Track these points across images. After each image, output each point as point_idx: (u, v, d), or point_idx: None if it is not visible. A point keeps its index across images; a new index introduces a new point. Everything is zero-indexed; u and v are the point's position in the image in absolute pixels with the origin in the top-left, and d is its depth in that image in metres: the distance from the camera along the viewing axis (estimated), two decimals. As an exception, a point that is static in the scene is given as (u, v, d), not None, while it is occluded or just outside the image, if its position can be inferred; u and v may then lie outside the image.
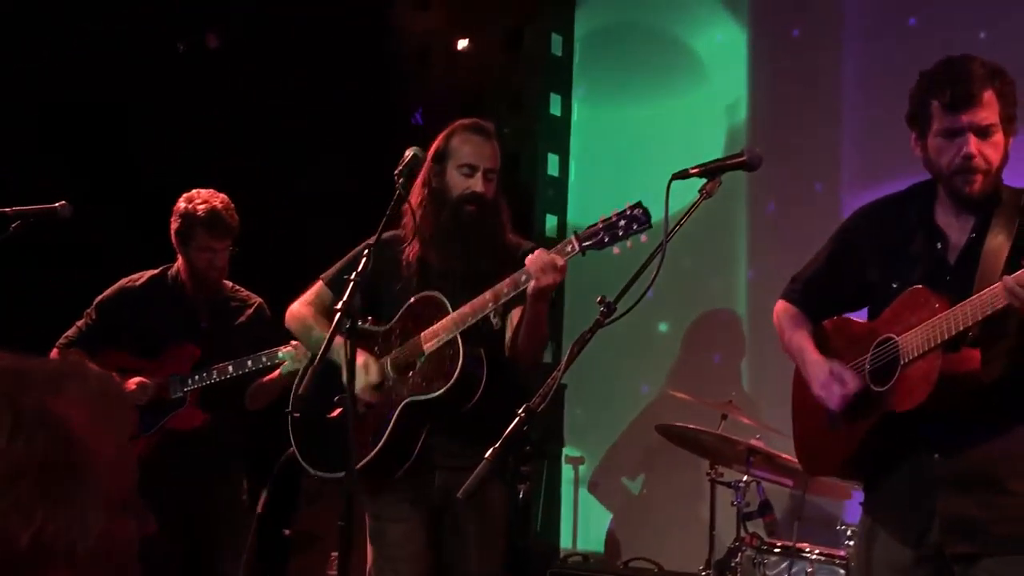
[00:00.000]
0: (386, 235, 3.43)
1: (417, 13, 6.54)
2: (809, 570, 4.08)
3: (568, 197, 6.40)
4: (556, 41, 6.48)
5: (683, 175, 2.69)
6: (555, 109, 6.44)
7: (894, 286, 2.73)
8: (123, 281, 4.32)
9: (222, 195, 4.20)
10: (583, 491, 6.10)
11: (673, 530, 5.65)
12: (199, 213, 4.10)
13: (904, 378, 2.61)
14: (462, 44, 6.50)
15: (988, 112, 2.62)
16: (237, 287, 4.32)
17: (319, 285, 3.55)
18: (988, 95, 2.61)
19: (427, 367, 3.25)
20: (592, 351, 5.33)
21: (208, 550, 4.15)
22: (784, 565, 4.22)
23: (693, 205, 2.64)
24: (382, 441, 3.23)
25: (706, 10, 6.10)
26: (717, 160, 2.74)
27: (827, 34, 5.63)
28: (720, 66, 6.01)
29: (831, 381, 2.76)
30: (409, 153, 3.18)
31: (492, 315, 3.24)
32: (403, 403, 3.24)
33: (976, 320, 2.49)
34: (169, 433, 4.10)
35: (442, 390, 3.18)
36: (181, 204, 4.17)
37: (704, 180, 2.69)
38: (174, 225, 4.17)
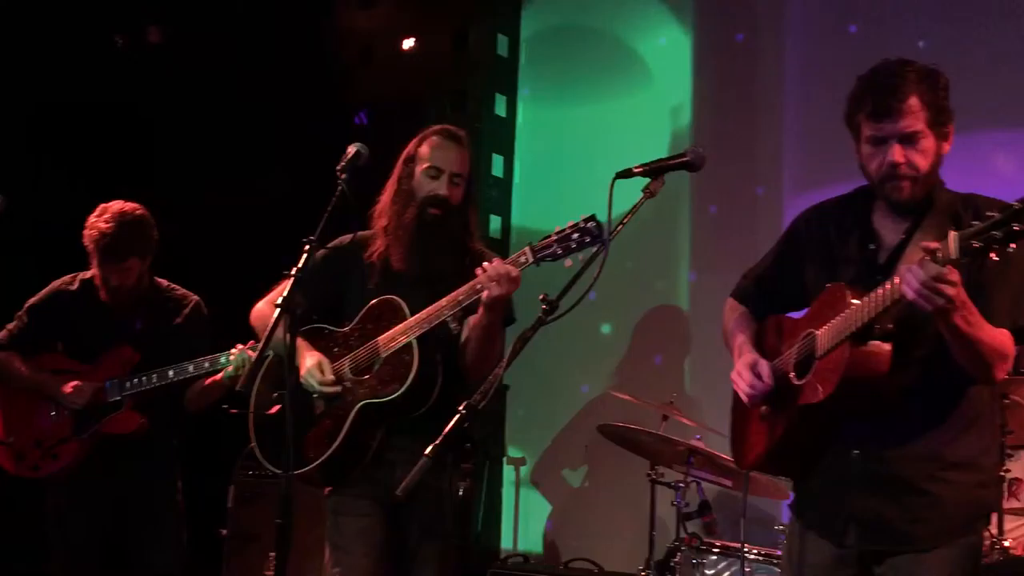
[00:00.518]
0: (361, 234, 3.47)
1: (361, 13, 6.50)
2: (748, 570, 4.10)
3: (512, 198, 6.40)
4: (502, 42, 6.47)
5: (626, 174, 2.71)
6: (500, 109, 6.44)
7: (827, 286, 2.75)
8: (55, 283, 4.22)
9: (131, 212, 4.06)
10: (524, 491, 6.10)
11: (613, 530, 5.66)
12: (96, 237, 4.00)
13: (817, 370, 2.64)
14: (407, 44, 6.47)
15: (912, 120, 2.62)
16: (173, 286, 4.24)
17: (284, 285, 3.51)
18: (913, 102, 2.62)
19: (384, 370, 3.24)
20: (535, 352, 5.32)
21: (139, 551, 4.08)
22: (723, 565, 4.24)
23: (636, 205, 2.65)
24: (337, 441, 3.22)
25: (651, 13, 6.13)
26: (660, 160, 2.76)
27: (770, 39, 5.68)
28: (665, 69, 6.04)
29: (745, 372, 2.80)
30: (352, 150, 3.15)
31: (450, 320, 3.25)
32: (359, 405, 3.23)
33: (878, 310, 2.50)
34: (105, 436, 4.02)
35: (396, 394, 3.18)
36: (90, 219, 4.06)
37: (647, 180, 2.71)
38: (83, 238, 4.09)
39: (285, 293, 2.90)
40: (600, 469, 5.85)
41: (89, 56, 6.05)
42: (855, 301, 2.57)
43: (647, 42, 6.13)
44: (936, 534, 2.62)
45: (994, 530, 3.70)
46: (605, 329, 6.00)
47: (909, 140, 2.63)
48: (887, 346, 2.55)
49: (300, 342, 3.33)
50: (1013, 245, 2.26)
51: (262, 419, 3.37)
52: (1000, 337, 2.55)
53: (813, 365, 2.66)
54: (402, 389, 3.17)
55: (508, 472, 6.15)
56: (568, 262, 2.99)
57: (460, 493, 3.24)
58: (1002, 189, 4.97)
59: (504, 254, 6.27)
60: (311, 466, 3.23)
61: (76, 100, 5.98)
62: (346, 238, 3.45)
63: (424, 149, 3.43)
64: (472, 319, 3.24)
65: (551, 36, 6.47)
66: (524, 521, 6.09)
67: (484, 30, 6.40)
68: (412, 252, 3.37)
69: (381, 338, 3.27)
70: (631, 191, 2.70)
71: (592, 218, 2.99)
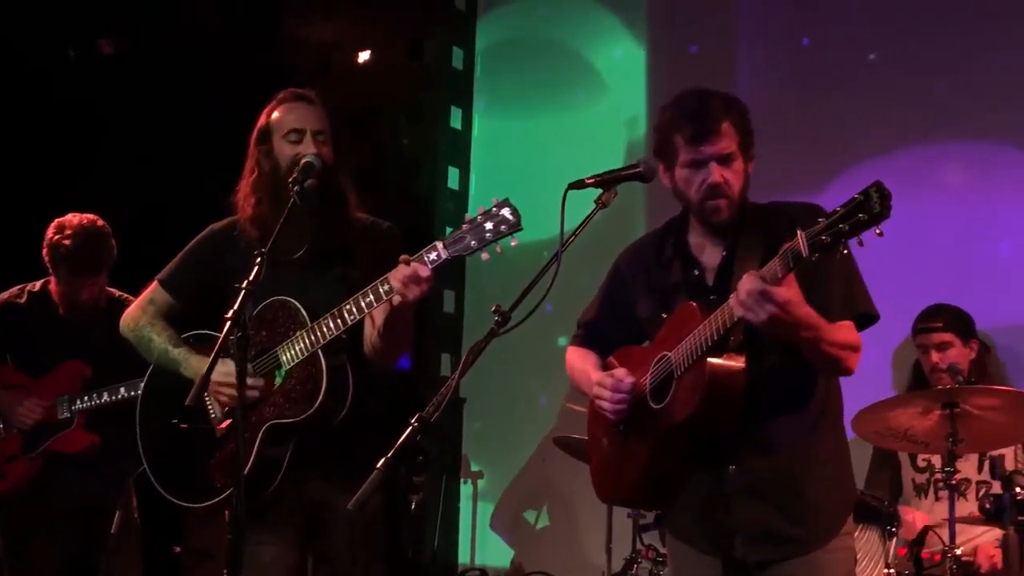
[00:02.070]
0: (233, 220, 3.24)
1: (317, 25, 6.47)
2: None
3: (469, 210, 6.35)
4: (457, 54, 6.46)
5: (579, 185, 2.72)
6: (456, 122, 6.42)
7: (663, 316, 2.82)
8: (3, 296, 4.16)
9: (93, 225, 4.03)
10: (482, 505, 6.07)
11: (572, 543, 5.65)
12: (62, 250, 3.96)
13: (678, 390, 2.67)
14: (363, 56, 6.44)
15: (727, 142, 2.74)
16: (126, 296, 4.17)
17: (154, 286, 3.33)
18: (726, 126, 2.74)
19: (289, 386, 3.04)
20: (491, 365, 5.32)
21: (96, 568, 4.02)
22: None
23: (588, 216, 2.65)
24: (247, 468, 2.97)
25: (606, 26, 6.14)
26: (613, 171, 2.77)
27: (723, 51, 5.71)
28: (619, 81, 6.06)
29: (604, 380, 2.80)
30: (304, 161, 3.10)
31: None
32: (266, 426, 3.03)
33: (733, 320, 2.55)
34: (54, 454, 3.95)
35: (307, 413, 2.99)
36: (50, 232, 4.02)
37: (601, 191, 2.71)
38: (43, 250, 4.03)
39: (236, 306, 2.83)
40: (558, 481, 5.84)
41: (42, 61, 5.97)
42: (704, 318, 2.63)
43: (602, 54, 6.15)
44: (817, 535, 2.70)
45: (946, 539, 3.73)
46: (562, 341, 5.98)
47: (725, 161, 2.75)
48: (742, 357, 2.62)
49: (187, 353, 3.16)
50: (860, 235, 2.32)
51: (157, 442, 3.21)
52: (843, 330, 2.64)
53: (672, 386, 2.69)
54: (313, 408, 2.99)
55: (466, 486, 6.12)
56: (485, 255, 2.90)
57: (412, 507, 3.17)
58: (948, 199, 5.07)
59: (461, 270, 6.32)
60: (222, 496, 3.01)
61: (29, 102, 5.90)
62: (220, 225, 3.24)
63: (277, 116, 3.21)
64: (377, 311, 3.02)
65: (506, 48, 6.48)
66: (482, 535, 6.06)
67: (439, 43, 6.39)
68: (297, 233, 3.08)
69: (279, 348, 3.06)
70: (589, 202, 2.69)
71: (505, 202, 2.89)
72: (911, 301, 4.45)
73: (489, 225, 2.87)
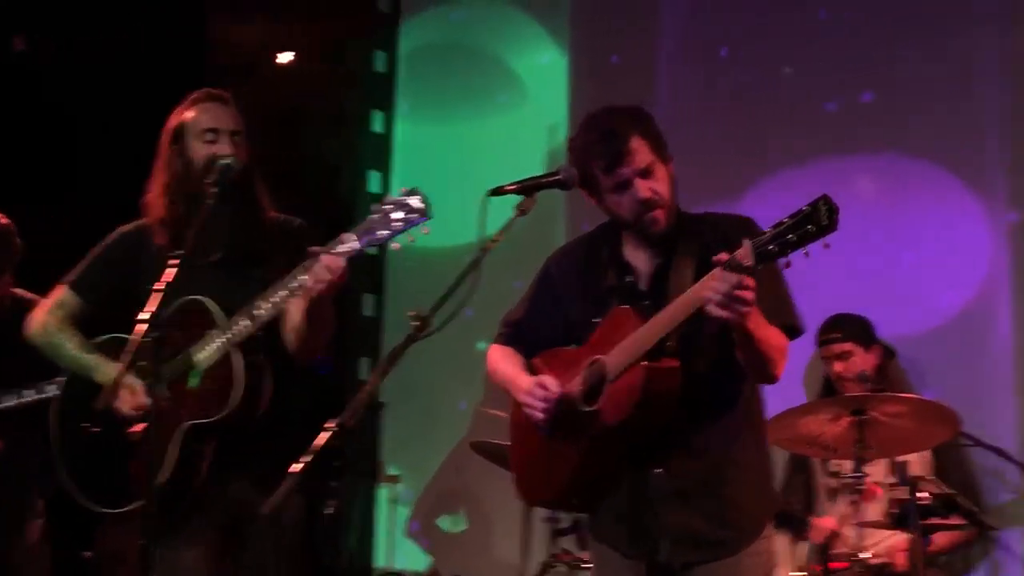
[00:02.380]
0: (144, 223, 3.18)
1: (238, 26, 6.40)
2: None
3: (390, 215, 6.34)
4: (379, 58, 6.44)
5: (499, 192, 2.73)
6: (377, 126, 6.40)
7: (595, 320, 2.83)
8: None
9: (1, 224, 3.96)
10: (401, 509, 6.05)
11: (489, 547, 5.65)
12: None
13: (612, 393, 2.69)
14: (284, 58, 6.39)
15: (642, 156, 2.76)
16: (31, 296, 4.05)
17: (62, 290, 3.25)
18: (636, 142, 2.76)
19: (204, 386, 3.00)
20: (411, 369, 5.31)
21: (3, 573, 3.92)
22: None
23: (507, 223, 2.66)
24: (168, 473, 2.96)
25: (529, 33, 6.17)
26: (533, 178, 2.79)
27: (643, 61, 5.76)
28: (542, 88, 6.09)
29: (534, 389, 2.81)
30: (222, 163, 3.07)
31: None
32: (183, 428, 2.99)
33: (671, 327, 2.60)
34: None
35: (223, 413, 2.96)
36: None
37: (521, 197, 2.72)
38: None
39: (149, 308, 2.79)
40: (476, 486, 5.84)
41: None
42: (642, 323, 2.65)
43: (525, 61, 6.18)
44: (740, 538, 2.75)
45: (854, 543, 3.81)
46: (482, 346, 5.98)
47: (647, 174, 2.77)
48: (677, 362, 2.65)
49: (99, 359, 3.11)
50: (807, 247, 2.34)
51: (73, 447, 3.15)
52: (779, 336, 2.69)
53: (604, 390, 2.70)
54: (228, 409, 2.95)
55: (384, 490, 6.09)
56: (396, 244, 2.89)
57: (330, 512, 3.14)
58: (857, 210, 5.18)
59: (380, 273, 6.29)
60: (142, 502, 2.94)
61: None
62: (129, 227, 3.19)
63: (191, 115, 3.16)
64: (293, 305, 2.99)
65: (430, 53, 6.47)
66: (400, 539, 6.04)
67: (361, 46, 6.36)
68: (209, 236, 3.04)
69: (193, 349, 3.01)
70: (510, 208, 2.70)
71: (413, 191, 2.88)
72: (820, 311, 4.54)
73: (399, 214, 2.85)
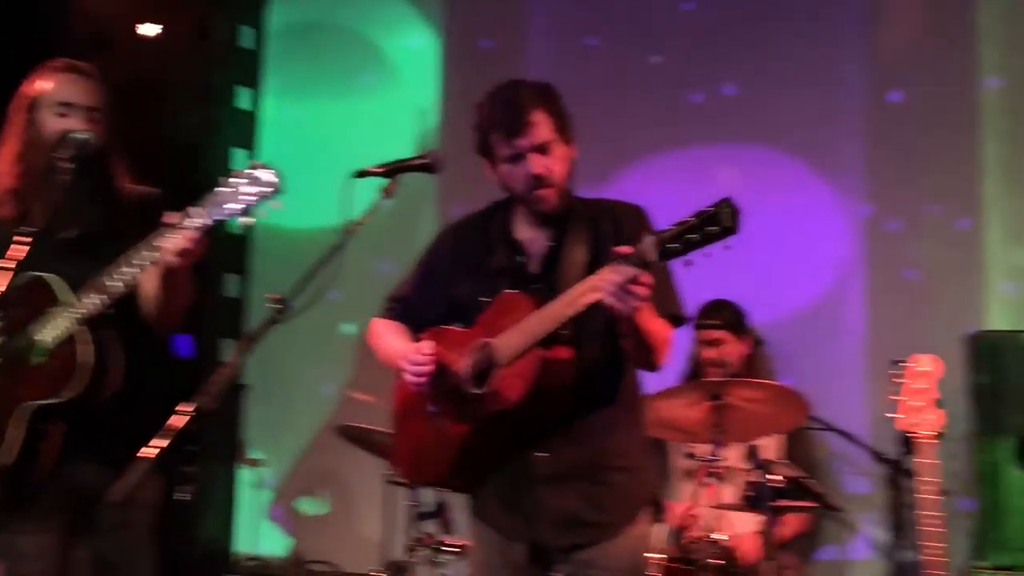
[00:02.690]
0: None
1: (98, -4, 6.19)
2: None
3: (255, 193, 6.23)
4: (247, 33, 6.31)
5: (365, 174, 2.70)
6: (243, 103, 6.27)
7: (482, 299, 2.83)
8: None
9: None
10: (262, 494, 5.97)
11: (352, 532, 5.63)
12: None
13: (503, 379, 2.69)
14: (147, 31, 6.21)
15: (542, 132, 2.77)
16: None
17: None
18: (539, 116, 2.77)
19: (50, 365, 2.88)
20: (276, 352, 5.22)
21: None
22: (461, 564, 4.27)
23: (373, 205, 2.64)
24: (12, 455, 2.85)
25: (400, 15, 6.14)
26: (399, 161, 2.77)
27: (514, 48, 5.79)
28: (413, 71, 6.07)
29: (413, 355, 2.80)
30: (76, 137, 2.96)
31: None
32: (25, 408, 2.87)
33: (566, 318, 2.61)
34: None
35: (73, 393, 2.85)
36: None
37: (387, 180, 2.71)
38: None
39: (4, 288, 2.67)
40: (340, 470, 5.80)
41: None
42: (536, 309, 2.65)
43: (396, 43, 6.14)
44: (618, 523, 2.79)
45: (709, 525, 3.91)
46: (347, 329, 5.95)
47: (543, 151, 2.78)
48: (571, 350, 2.67)
49: None
50: (711, 245, 2.36)
51: None
52: (665, 327, 2.73)
53: (495, 373, 2.70)
54: (73, 388, 2.85)
55: (247, 474, 6.00)
56: (246, 218, 2.80)
57: (187, 497, 3.05)
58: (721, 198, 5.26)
59: (244, 254, 6.18)
60: None
61: None
62: None
63: (48, 86, 3.02)
64: (148, 275, 2.89)
65: (299, 31, 6.38)
66: (263, 524, 5.97)
67: (227, 20, 6.22)
68: (62, 211, 2.93)
69: (36, 326, 2.88)
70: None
71: (262, 165, 2.79)
72: (689, 295, 4.64)
73: (250, 189, 2.76)
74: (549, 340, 2.64)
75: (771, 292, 5.04)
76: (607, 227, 2.71)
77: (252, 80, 6.30)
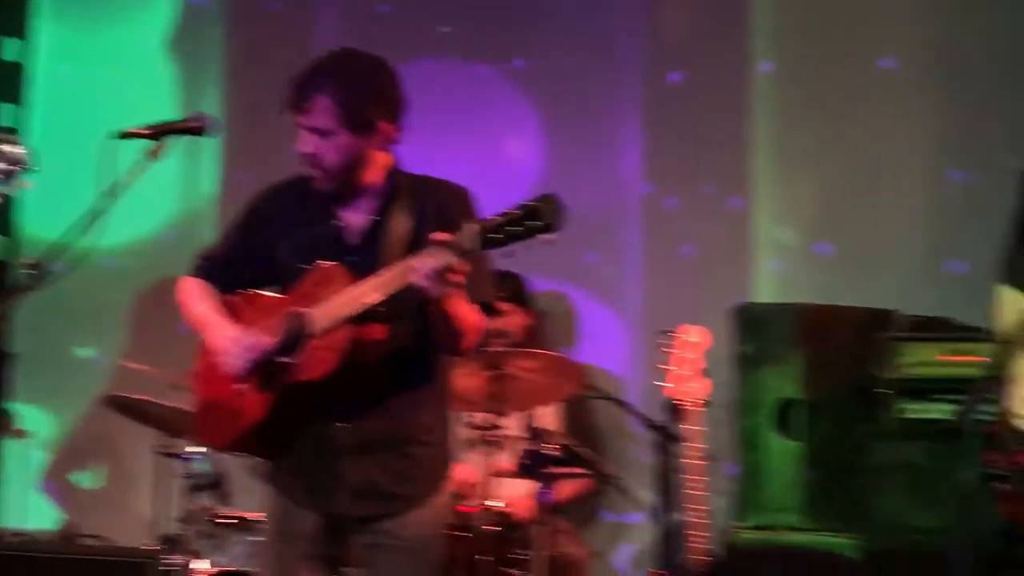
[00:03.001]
0: None
1: None
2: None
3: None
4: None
5: (129, 135, 2.62)
6: (9, 54, 5.91)
7: (300, 266, 2.81)
8: None
9: None
10: (31, 466, 5.71)
11: (126, 504, 5.47)
12: None
13: (317, 348, 2.70)
14: None
15: (321, 118, 2.75)
16: None
17: None
18: (323, 102, 2.74)
19: None
20: (46, 319, 4.97)
21: None
22: (236, 536, 4.20)
23: (135, 167, 2.55)
24: None
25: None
26: (167, 123, 2.71)
27: (303, 12, 5.66)
28: (194, 31, 5.85)
29: (236, 345, 2.79)
30: None
31: None
32: None
33: (381, 296, 2.63)
34: None
35: None
36: None
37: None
38: None
39: None
40: (113, 442, 5.60)
41: None
42: (354, 283, 2.66)
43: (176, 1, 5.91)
44: (418, 493, 2.83)
45: (486, 492, 3.97)
46: (121, 297, 5.72)
47: (323, 135, 2.76)
48: (385, 327, 2.70)
49: None
50: (533, 239, 2.41)
51: None
52: (476, 314, 2.79)
53: (305, 343, 2.69)
54: None
55: (14, 445, 5.71)
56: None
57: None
58: (515, 175, 5.34)
59: (6, 215, 5.85)
60: None
61: None
62: None
63: None
64: None
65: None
66: (32, 498, 5.71)
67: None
68: None
69: None
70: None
71: (7, 139, 2.68)
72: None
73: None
74: (363, 316, 2.65)
75: (554, 266, 5.13)
76: (431, 206, 2.73)
77: (19, 29, 5.94)
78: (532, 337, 4.64)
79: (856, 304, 4.34)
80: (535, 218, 2.39)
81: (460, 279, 2.53)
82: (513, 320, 4.57)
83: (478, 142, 5.31)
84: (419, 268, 2.53)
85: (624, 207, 5.24)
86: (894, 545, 3.86)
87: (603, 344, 5.08)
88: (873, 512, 3.96)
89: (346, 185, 2.82)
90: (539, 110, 5.34)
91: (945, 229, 4.66)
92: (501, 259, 4.41)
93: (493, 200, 5.22)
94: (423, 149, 5.30)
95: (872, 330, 4.10)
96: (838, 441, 4.13)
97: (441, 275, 2.51)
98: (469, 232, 2.46)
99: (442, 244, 2.50)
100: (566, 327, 5.10)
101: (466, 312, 2.73)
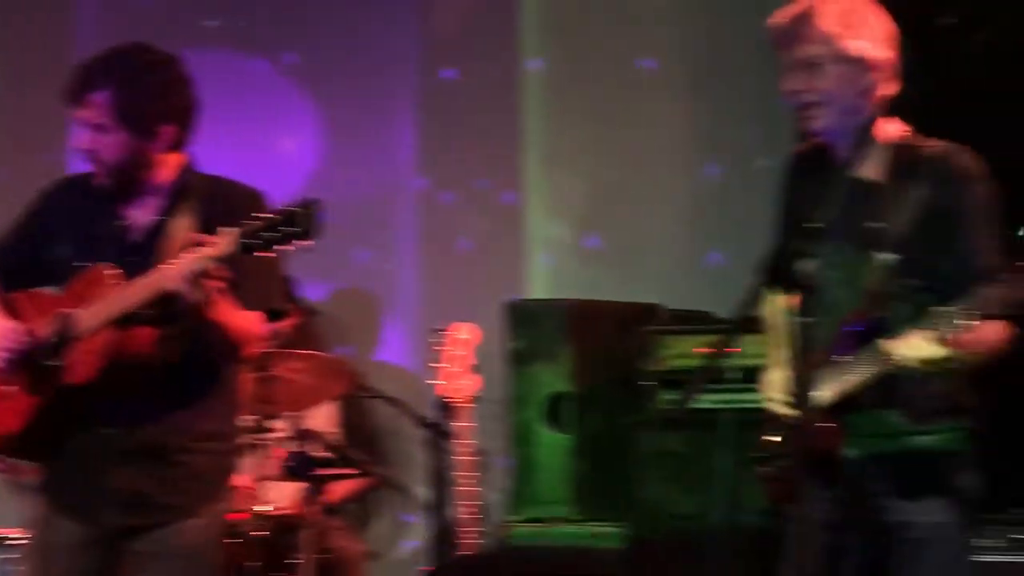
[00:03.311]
0: None
1: None
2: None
3: None
4: None
5: None
6: None
7: (79, 265, 2.77)
8: None
9: None
10: None
11: None
12: None
13: (83, 352, 2.66)
14: None
15: (97, 113, 2.72)
16: None
17: None
18: (100, 97, 2.71)
19: None
20: None
21: None
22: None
23: None
24: None
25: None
26: None
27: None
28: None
29: (8, 334, 2.75)
30: None
31: None
32: None
33: (144, 299, 2.60)
34: None
35: None
36: None
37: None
38: None
39: None
40: None
41: None
42: (120, 286, 2.63)
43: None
44: (192, 503, 2.77)
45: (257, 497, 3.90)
46: None
47: (98, 130, 2.73)
48: (151, 330, 2.68)
49: None
50: (291, 245, 2.44)
51: None
52: (251, 320, 2.75)
53: (70, 345, 2.66)
54: None
55: None
56: None
57: None
58: (291, 170, 5.30)
59: None
60: None
61: None
62: None
63: None
64: None
65: None
66: None
67: None
68: None
69: None
70: None
71: None
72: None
73: None
74: (129, 318, 2.63)
75: (325, 264, 5.10)
76: (220, 208, 2.70)
77: None
78: (304, 337, 4.58)
79: (623, 298, 4.46)
80: (292, 224, 2.41)
81: (218, 284, 2.52)
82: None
83: (251, 137, 5.25)
84: (172, 272, 2.52)
85: (399, 202, 5.27)
86: (657, 532, 3.96)
87: (380, 342, 5.09)
88: (637, 501, 4.05)
89: (129, 183, 2.78)
90: (313, 105, 5.32)
91: (704, 224, 4.85)
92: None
93: (265, 194, 5.22)
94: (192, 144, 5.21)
95: (636, 324, 4.21)
96: (606, 433, 4.22)
97: (196, 280, 2.50)
98: (226, 237, 2.46)
99: (197, 247, 2.49)
100: (339, 326, 5.07)
101: (239, 318, 2.69)
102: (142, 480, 2.75)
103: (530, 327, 4.32)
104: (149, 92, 2.73)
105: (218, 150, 4.98)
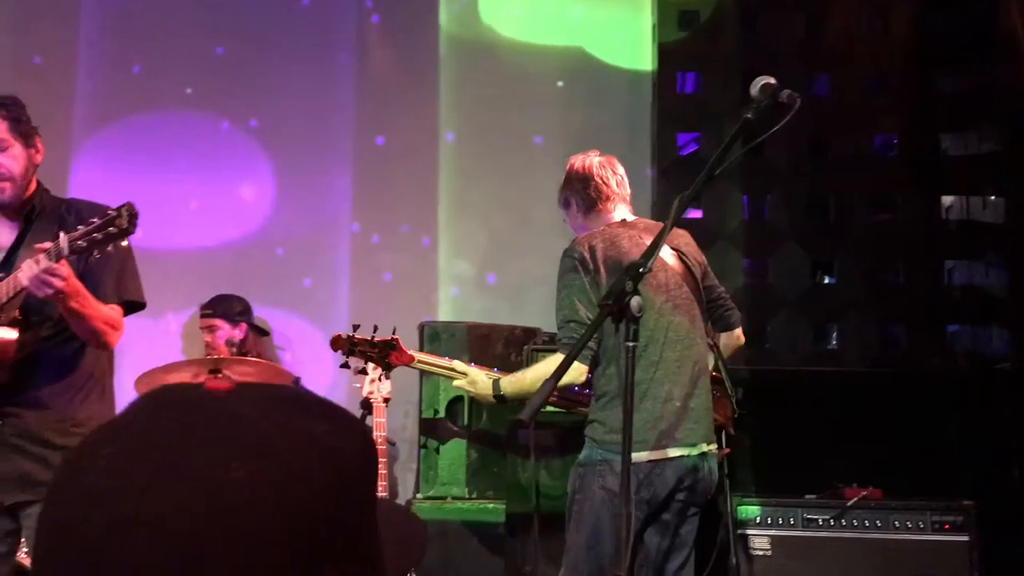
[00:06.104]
0: None
1: None
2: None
3: None
4: None
5: None
6: None
7: None
8: None
9: None
10: None
11: None
12: None
13: None
14: None
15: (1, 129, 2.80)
16: None
17: None
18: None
19: None
20: None
21: None
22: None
23: None
24: None
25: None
26: None
27: (65, 66, 5.58)
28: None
29: None
30: None
31: None
32: None
33: (12, 293, 2.67)
34: None
35: None
36: None
37: None
38: None
39: None
40: None
41: None
42: None
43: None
44: None
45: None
46: None
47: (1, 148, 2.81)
48: (13, 333, 2.73)
49: None
50: (111, 245, 2.51)
51: None
52: (110, 312, 2.83)
53: None
54: None
55: None
56: None
57: None
58: (246, 213, 5.43)
59: None
60: None
61: None
62: None
63: None
64: None
65: None
66: None
67: None
68: None
69: None
70: None
71: None
72: (199, 287, 4.94)
73: None
74: None
75: (279, 289, 5.41)
76: (71, 222, 2.67)
77: None
78: (251, 351, 4.80)
79: (512, 323, 4.74)
80: (112, 226, 2.46)
81: (60, 282, 2.55)
82: (222, 335, 4.77)
83: (218, 187, 5.49)
84: (24, 274, 2.57)
85: (336, 242, 5.53)
86: (529, 508, 4.23)
87: (315, 355, 5.29)
88: (514, 483, 4.34)
89: (27, 200, 2.81)
90: (270, 161, 5.57)
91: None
92: (228, 284, 4.67)
93: (230, 232, 5.47)
94: (167, 185, 5.42)
95: (522, 343, 4.51)
96: (493, 429, 4.49)
97: (43, 279, 2.54)
98: (60, 241, 2.51)
99: (45, 252, 2.54)
100: (287, 343, 5.34)
101: (96, 311, 2.73)
102: (28, 464, 2.76)
103: (438, 344, 4.51)
104: (24, 115, 2.85)
105: (190, 195, 5.30)
